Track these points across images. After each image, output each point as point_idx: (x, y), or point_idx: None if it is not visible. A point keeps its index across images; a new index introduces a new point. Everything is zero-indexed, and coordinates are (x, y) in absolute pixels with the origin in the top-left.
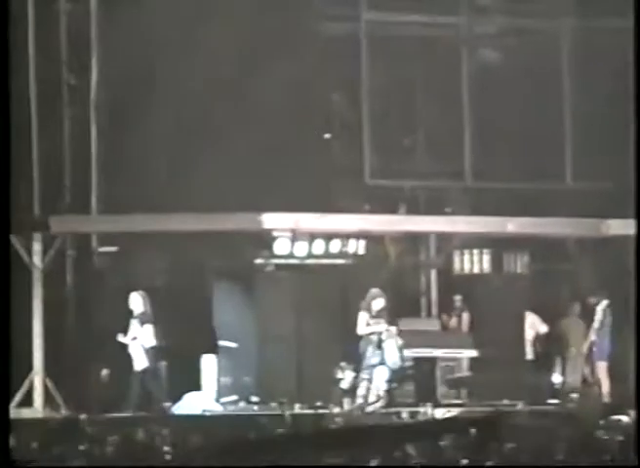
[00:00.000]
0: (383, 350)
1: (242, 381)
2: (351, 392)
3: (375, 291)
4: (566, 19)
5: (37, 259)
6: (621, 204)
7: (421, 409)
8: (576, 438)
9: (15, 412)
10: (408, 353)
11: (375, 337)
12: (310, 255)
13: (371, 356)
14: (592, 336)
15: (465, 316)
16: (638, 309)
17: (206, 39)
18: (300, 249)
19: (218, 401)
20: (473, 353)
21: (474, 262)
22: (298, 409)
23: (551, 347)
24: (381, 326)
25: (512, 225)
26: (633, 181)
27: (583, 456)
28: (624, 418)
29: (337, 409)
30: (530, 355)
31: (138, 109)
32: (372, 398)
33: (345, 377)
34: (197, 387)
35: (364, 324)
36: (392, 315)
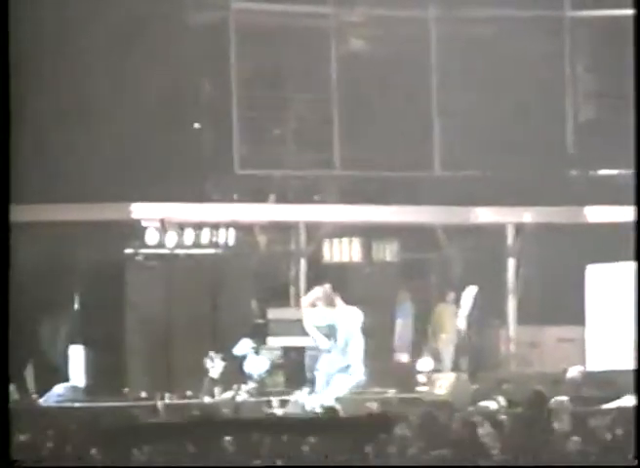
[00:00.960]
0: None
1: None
2: (222, 381)
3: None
4: (433, 9)
5: None
6: (490, 192)
7: (292, 398)
8: (442, 424)
9: None
10: (277, 342)
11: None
12: (180, 245)
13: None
14: (462, 324)
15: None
16: (638, 305)
17: (79, 26)
18: (170, 239)
19: (87, 392)
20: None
21: (344, 251)
22: (167, 399)
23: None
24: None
25: (381, 213)
26: (633, 174)
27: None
28: (492, 404)
29: (207, 399)
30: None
31: None
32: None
33: (215, 366)
34: (66, 379)
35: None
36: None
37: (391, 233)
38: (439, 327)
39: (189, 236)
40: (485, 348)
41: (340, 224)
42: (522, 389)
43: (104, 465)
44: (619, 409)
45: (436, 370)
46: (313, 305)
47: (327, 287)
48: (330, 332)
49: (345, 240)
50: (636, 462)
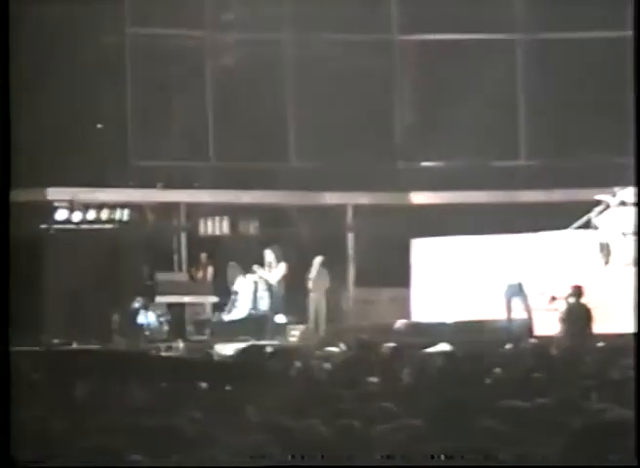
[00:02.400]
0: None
1: None
2: (120, 332)
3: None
4: (285, 32)
5: None
6: (334, 179)
7: (173, 345)
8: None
9: None
10: (163, 299)
11: None
12: (84, 221)
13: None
14: (310, 285)
15: (210, 269)
16: (638, 299)
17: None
18: (76, 216)
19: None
20: (215, 299)
21: (216, 227)
22: (76, 345)
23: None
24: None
25: (246, 197)
26: (633, 166)
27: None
28: (335, 349)
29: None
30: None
31: None
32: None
33: (115, 319)
34: None
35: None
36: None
37: (254, 213)
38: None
39: (92, 214)
40: (330, 305)
41: (214, 205)
42: (357, 337)
43: (104, 465)
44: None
45: (292, 323)
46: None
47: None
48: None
49: (217, 218)
50: (636, 462)
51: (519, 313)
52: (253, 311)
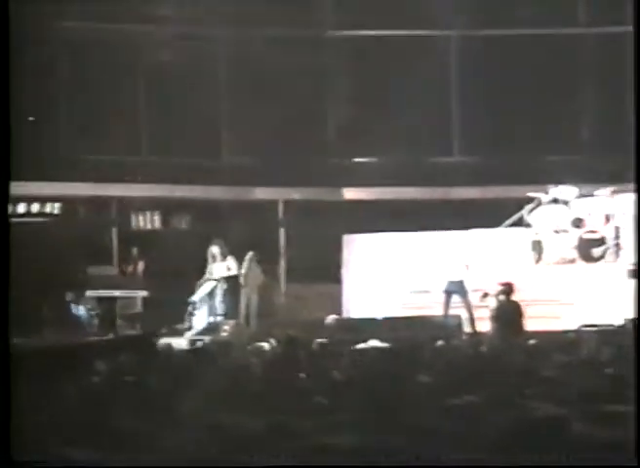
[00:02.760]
0: None
1: None
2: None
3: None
4: (219, 29)
5: None
6: (266, 175)
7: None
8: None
9: None
10: (94, 293)
11: None
12: (15, 215)
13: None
14: (243, 281)
15: (141, 264)
16: (638, 296)
17: None
18: (19, 209)
19: None
20: (145, 293)
21: (148, 221)
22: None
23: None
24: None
25: (179, 191)
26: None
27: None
28: (265, 345)
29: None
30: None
31: None
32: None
33: (49, 311)
34: None
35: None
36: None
37: (187, 208)
38: (245, 281)
39: (22, 207)
40: (261, 301)
41: (146, 199)
42: (287, 333)
43: (104, 465)
44: (369, 349)
45: (224, 318)
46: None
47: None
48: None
49: (149, 213)
50: (636, 462)
51: (458, 310)
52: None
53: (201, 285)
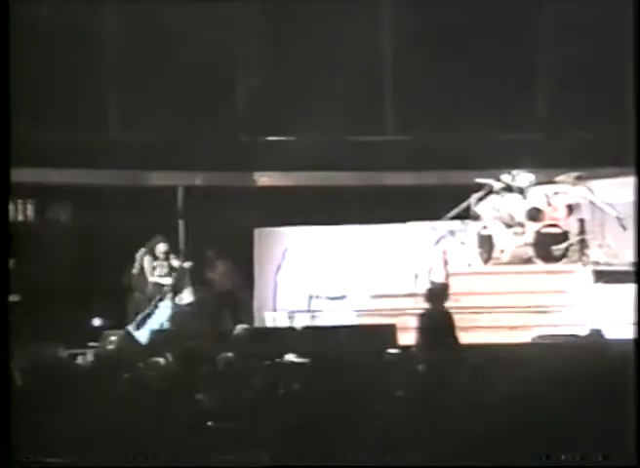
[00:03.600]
0: None
1: None
2: None
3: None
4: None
5: None
6: (163, 158)
7: None
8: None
9: None
10: None
11: None
12: None
13: None
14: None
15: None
16: (638, 299)
17: None
18: None
19: None
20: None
21: (19, 212)
22: None
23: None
24: None
25: (56, 176)
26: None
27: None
28: (160, 360)
29: None
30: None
31: None
32: None
33: None
34: None
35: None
36: None
37: (66, 195)
38: (135, 285)
39: None
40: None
41: (15, 185)
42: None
43: (104, 464)
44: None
45: (109, 327)
46: None
47: None
48: None
49: (20, 201)
50: (636, 462)
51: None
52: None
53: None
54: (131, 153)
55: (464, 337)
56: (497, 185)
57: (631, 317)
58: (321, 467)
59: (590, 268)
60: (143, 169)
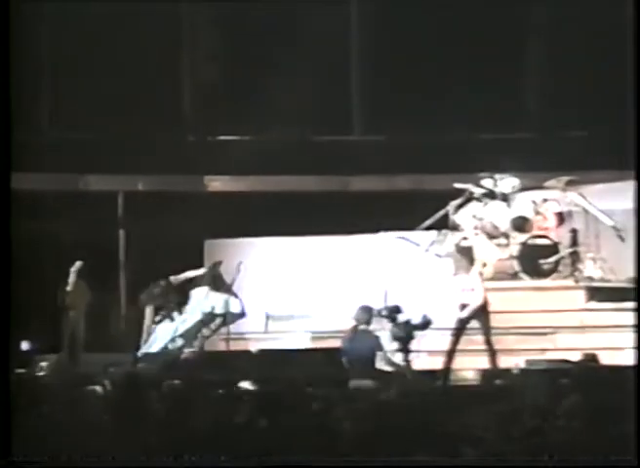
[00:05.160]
0: None
1: None
2: None
3: None
4: None
5: None
6: (102, 159)
7: None
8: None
9: None
10: None
11: None
12: None
13: None
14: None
15: None
16: (638, 302)
17: None
18: None
19: None
20: None
21: None
22: None
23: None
24: None
25: None
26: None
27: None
28: (97, 388)
29: None
30: None
31: None
32: None
33: None
34: None
35: None
36: None
37: None
38: (71, 304)
39: None
40: (94, 326)
41: None
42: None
43: (104, 464)
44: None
45: (38, 351)
46: None
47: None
48: None
49: None
50: (636, 462)
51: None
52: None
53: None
54: (66, 155)
55: (436, 362)
56: (477, 191)
57: (630, 340)
58: (321, 467)
59: (584, 285)
60: (80, 172)
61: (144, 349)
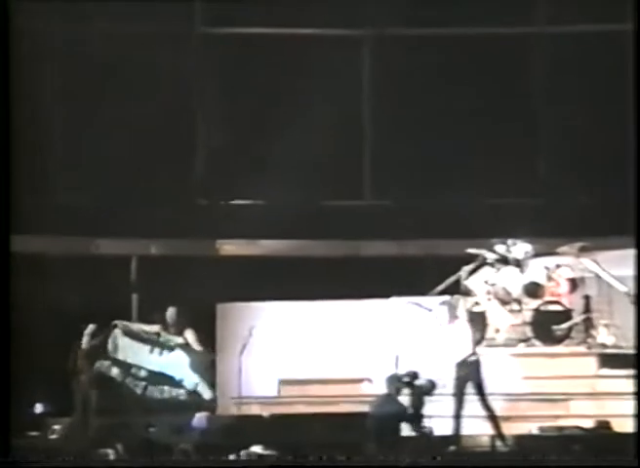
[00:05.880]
0: None
1: None
2: None
3: None
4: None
5: None
6: (114, 223)
7: None
8: None
9: None
10: None
11: None
12: None
13: None
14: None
15: None
16: (639, 312)
17: None
18: None
19: None
20: None
21: None
22: None
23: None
24: None
25: None
26: (633, 199)
27: None
28: (110, 452)
29: None
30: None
31: None
32: None
33: None
34: None
35: None
36: None
37: None
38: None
39: None
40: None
41: None
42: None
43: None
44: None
45: (53, 414)
46: None
47: None
48: None
49: None
50: (636, 462)
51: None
52: None
53: None
54: (79, 218)
55: (447, 428)
56: (490, 256)
57: None
58: (321, 467)
59: (597, 351)
60: (93, 236)
61: None
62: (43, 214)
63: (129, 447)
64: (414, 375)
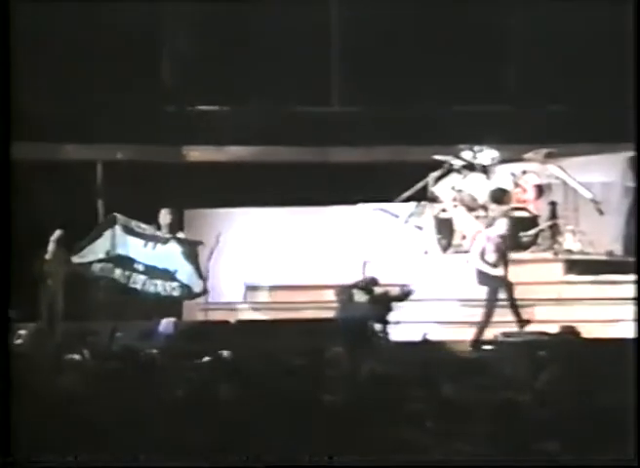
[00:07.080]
0: None
1: None
2: None
3: None
4: None
5: None
6: (82, 128)
7: None
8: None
9: None
10: None
11: None
12: None
13: None
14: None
15: None
16: (639, 292)
17: None
18: None
19: None
20: None
21: None
22: None
23: None
24: None
25: None
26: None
27: None
28: (76, 357)
29: None
30: None
31: None
32: None
33: None
34: None
35: None
36: None
37: None
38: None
39: None
40: (70, 297)
41: None
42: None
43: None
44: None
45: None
46: None
47: None
48: None
49: None
50: (636, 462)
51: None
52: None
53: None
54: (44, 124)
55: (414, 334)
56: (457, 163)
57: (607, 313)
58: (322, 467)
59: (563, 257)
60: (58, 141)
61: None
62: (15, 120)
63: (95, 352)
64: (372, 282)
